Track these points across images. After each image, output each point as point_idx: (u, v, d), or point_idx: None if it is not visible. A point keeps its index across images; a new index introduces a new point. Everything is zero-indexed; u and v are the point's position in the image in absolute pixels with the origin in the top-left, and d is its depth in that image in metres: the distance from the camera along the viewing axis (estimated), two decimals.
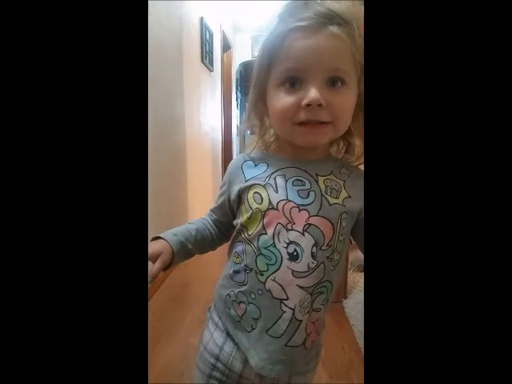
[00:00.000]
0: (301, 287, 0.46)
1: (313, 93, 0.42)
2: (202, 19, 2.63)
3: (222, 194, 0.55)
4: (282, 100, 0.44)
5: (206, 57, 2.78)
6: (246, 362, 0.50)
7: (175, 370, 1.12)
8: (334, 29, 0.41)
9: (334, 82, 0.43)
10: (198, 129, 2.61)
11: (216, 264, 0.62)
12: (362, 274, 1.87)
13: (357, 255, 1.86)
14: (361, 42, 0.43)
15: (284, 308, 0.46)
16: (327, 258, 0.47)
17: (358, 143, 0.52)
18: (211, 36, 2.95)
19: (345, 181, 0.49)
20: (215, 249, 0.60)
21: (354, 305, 1.56)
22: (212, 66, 3.02)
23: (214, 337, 0.54)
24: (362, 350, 1.23)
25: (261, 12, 3.69)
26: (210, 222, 0.59)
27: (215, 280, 0.58)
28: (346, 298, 1.61)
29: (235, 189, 0.51)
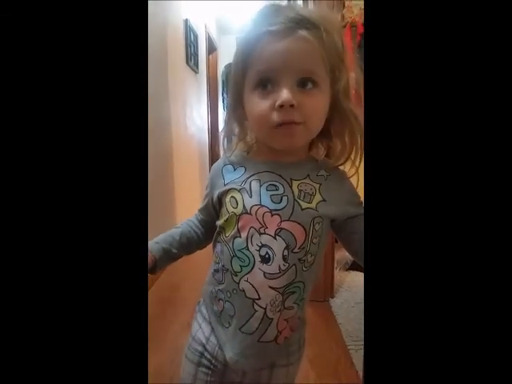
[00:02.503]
0: (272, 288, 0.48)
1: (284, 93, 0.44)
2: (186, 21, 2.62)
3: (206, 196, 0.58)
4: (257, 104, 0.46)
5: (191, 59, 2.77)
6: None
7: (164, 374, 1.12)
8: (302, 32, 0.44)
9: (304, 83, 0.45)
10: (184, 131, 2.60)
11: (204, 267, 0.64)
12: (348, 273, 1.90)
13: (343, 254, 1.89)
14: (330, 44, 0.45)
15: (256, 307, 0.49)
16: (299, 260, 0.49)
17: (337, 144, 0.53)
18: (196, 38, 2.94)
19: (320, 184, 0.50)
20: (202, 248, 0.63)
21: (341, 303, 1.58)
22: (197, 68, 3.01)
23: (202, 327, 0.57)
24: (350, 348, 1.25)
25: (246, 13, 3.70)
26: (197, 222, 0.61)
27: (203, 283, 0.60)
28: (332, 296, 1.63)
29: (216, 192, 0.53)
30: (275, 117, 0.45)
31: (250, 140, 0.55)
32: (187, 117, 2.69)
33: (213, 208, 0.56)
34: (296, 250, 0.48)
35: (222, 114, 4.20)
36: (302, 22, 0.44)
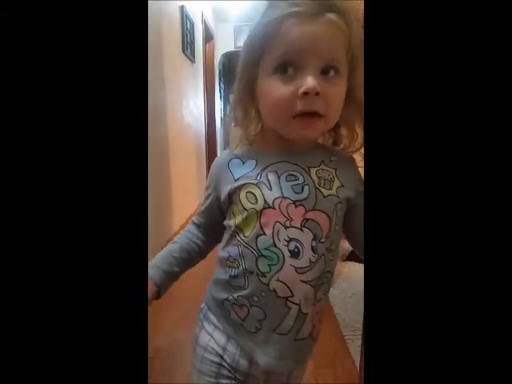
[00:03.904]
0: (304, 282, 0.46)
1: (310, 81, 0.40)
2: (182, 8, 2.57)
3: (208, 196, 0.53)
4: (277, 90, 0.43)
5: (188, 47, 2.73)
6: (251, 360, 0.50)
7: (160, 365, 1.12)
8: (332, 16, 0.40)
9: (327, 70, 0.42)
10: (180, 121, 2.57)
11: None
12: (346, 264, 1.90)
13: (341, 245, 1.88)
14: (355, 33, 0.43)
15: (290, 305, 0.46)
16: (327, 249, 0.47)
17: (345, 133, 0.51)
18: (192, 25, 2.89)
19: (336, 169, 0.49)
20: (205, 256, 0.58)
21: (338, 294, 1.58)
22: (194, 57, 2.97)
23: (214, 337, 0.52)
24: (346, 338, 1.26)
25: (244, 1, 3.63)
26: (195, 230, 0.57)
27: (198, 275, 0.58)
28: None
29: (225, 189, 0.49)
30: (298, 105, 0.42)
31: (252, 130, 0.50)
32: (183, 106, 2.66)
33: (218, 208, 0.52)
34: (323, 239, 0.46)
35: (218, 104, 4.15)
36: (329, 5, 0.41)
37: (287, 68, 0.42)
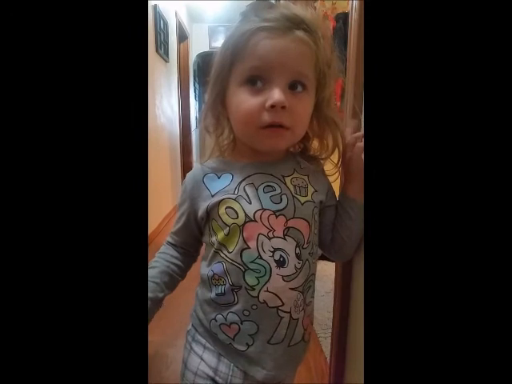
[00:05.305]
0: (292, 289, 0.47)
1: (277, 94, 0.42)
2: (155, 7, 2.53)
3: (183, 214, 0.53)
4: (246, 101, 0.44)
5: (161, 46, 2.69)
6: (245, 376, 0.50)
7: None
8: (300, 34, 0.42)
9: (295, 85, 0.44)
10: (153, 121, 2.53)
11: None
12: (318, 263, 1.93)
13: None
14: (323, 50, 0.44)
15: (281, 314, 0.47)
16: (309, 254, 0.49)
17: (316, 144, 0.53)
18: (166, 25, 2.85)
19: (308, 175, 0.51)
20: (185, 277, 0.58)
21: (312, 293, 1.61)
22: (167, 57, 2.93)
23: (204, 359, 0.51)
24: (319, 336, 1.29)
25: (219, 2, 3.62)
26: (172, 251, 0.56)
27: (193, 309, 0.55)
28: None
29: (202, 205, 0.49)
30: (265, 117, 0.43)
31: (222, 140, 0.51)
32: (157, 107, 2.62)
33: (195, 225, 0.52)
34: (305, 245, 0.48)
35: (193, 105, 4.11)
36: (299, 23, 0.42)
37: (256, 81, 0.43)
